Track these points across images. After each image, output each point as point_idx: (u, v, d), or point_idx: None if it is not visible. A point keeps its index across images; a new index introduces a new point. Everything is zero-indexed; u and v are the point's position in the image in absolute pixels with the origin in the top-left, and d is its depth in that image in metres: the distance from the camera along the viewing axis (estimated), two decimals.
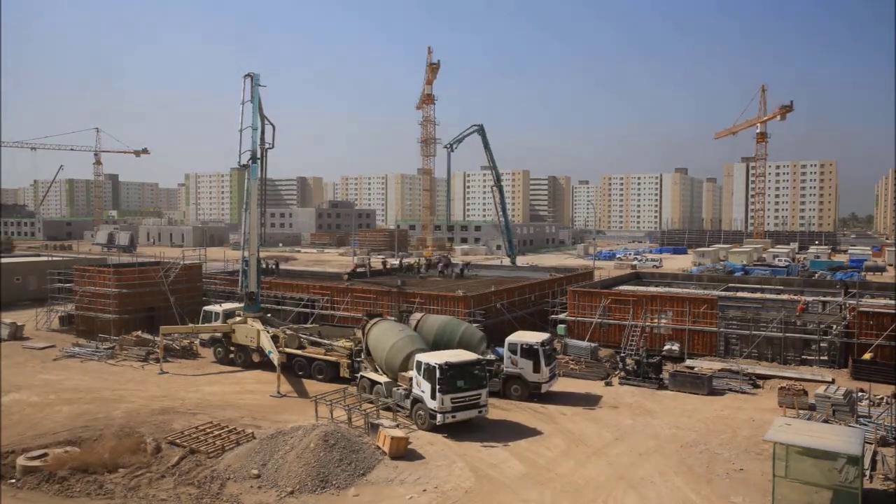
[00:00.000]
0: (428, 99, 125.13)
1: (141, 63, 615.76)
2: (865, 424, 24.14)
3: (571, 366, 33.78)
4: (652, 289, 46.56)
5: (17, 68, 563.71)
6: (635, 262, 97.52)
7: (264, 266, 54.86)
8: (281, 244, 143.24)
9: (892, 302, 38.26)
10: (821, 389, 27.50)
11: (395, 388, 26.89)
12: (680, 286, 50.28)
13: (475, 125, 56.79)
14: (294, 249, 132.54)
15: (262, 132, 37.48)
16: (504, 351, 29.70)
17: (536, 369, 28.71)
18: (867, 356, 33.06)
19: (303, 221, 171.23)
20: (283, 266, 62.59)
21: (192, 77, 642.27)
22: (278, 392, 30.09)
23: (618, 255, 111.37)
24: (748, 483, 20.22)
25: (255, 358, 35.15)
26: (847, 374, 32.88)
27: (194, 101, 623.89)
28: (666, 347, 36.54)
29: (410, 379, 25.81)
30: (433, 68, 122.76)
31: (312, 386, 31.21)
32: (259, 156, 36.50)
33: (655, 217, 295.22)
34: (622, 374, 32.93)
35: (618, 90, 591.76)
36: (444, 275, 54.43)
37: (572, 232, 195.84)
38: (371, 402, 27.15)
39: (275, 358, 31.73)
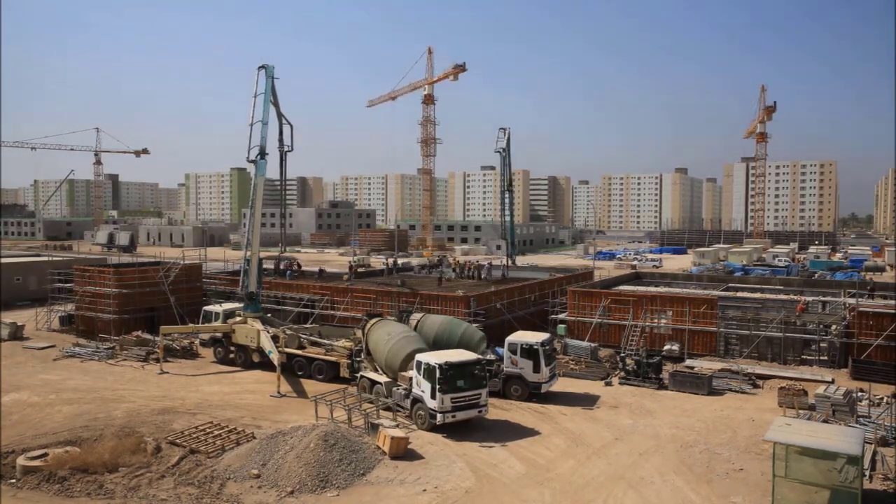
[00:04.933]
0: (428, 99, 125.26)
1: (140, 63, 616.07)
2: (865, 424, 24.14)
3: (571, 366, 33.79)
4: (652, 289, 46.53)
5: (16, 68, 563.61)
6: (635, 262, 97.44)
7: (293, 269, 54.54)
8: (281, 244, 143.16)
9: (892, 302, 38.28)
10: (821, 389, 27.51)
11: (395, 388, 26.90)
12: (680, 286, 50.25)
13: (502, 128, 59.84)
14: (294, 249, 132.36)
15: (281, 132, 37.09)
16: (504, 351, 29.71)
17: (536, 369, 28.72)
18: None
19: (303, 221, 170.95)
20: (282, 266, 62.34)
21: (192, 77, 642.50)
22: (278, 392, 30.09)
23: (618, 255, 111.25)
24: (748, 483, 20.23)
25: (255, 358, 35.15)
26: (847, 374, 32.89)
27: (194, 100, 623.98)
28: (666, 347, 36.54)
29: (410, 379, 25.81)
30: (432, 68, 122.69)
31: (312, 386, 31.21)
32: (267, 153, 36.02)
33: (655, 217, 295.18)
34: (622, 374, 32.93)
35: (618, 90, 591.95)
36: (481, 279, 50.91)
37: (572, 232, 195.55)
38: (371, 402, 27.13)
39: (275, 358, 31.72)
